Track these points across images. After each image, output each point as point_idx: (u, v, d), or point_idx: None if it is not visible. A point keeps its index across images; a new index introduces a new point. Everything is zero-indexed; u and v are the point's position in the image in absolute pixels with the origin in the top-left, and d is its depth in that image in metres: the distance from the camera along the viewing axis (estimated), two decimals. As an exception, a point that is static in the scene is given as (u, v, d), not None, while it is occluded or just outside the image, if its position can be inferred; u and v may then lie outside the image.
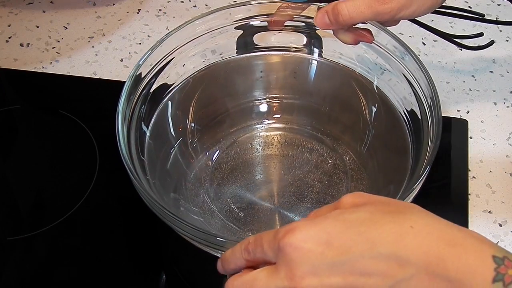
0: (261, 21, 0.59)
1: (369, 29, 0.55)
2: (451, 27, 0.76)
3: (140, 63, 0.55)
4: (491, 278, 0.35)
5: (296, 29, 0.60)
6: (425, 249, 0.36)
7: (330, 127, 0.61)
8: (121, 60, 0.74)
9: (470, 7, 0.78)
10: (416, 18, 0.68)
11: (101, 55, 0.74)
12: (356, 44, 0.55)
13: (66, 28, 0.77)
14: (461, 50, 0.74)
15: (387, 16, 0.51)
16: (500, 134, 0.67)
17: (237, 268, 0.41)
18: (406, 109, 0.55)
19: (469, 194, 0.62)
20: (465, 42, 0.73)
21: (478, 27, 0.76)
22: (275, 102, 0.63)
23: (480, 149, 0.65)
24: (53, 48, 0.75)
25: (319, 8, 0.54)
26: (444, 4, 0.79)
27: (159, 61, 0.57)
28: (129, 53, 0.74)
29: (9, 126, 0.69)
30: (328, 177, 0.59)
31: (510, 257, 0.36)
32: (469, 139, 0.66)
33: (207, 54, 0.60)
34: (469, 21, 0.77)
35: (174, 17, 0.79)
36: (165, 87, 0.58)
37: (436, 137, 0.49)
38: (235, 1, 0.80)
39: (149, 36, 0.76)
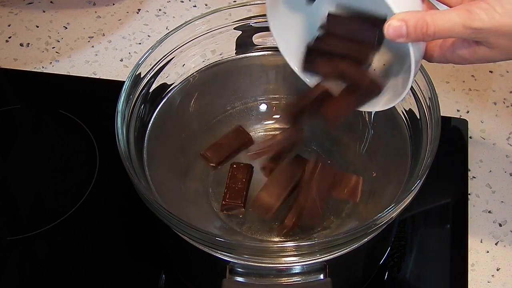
0: (261, 22, 0.59)
1: None
2: (451, 27, 0.76)
3: (140, 62, 0.55)
4: None
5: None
6: None
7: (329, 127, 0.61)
8: (121, 60, 0.74)
9: (470, 7, 0.78)
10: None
11: (101, 55, 0.74)
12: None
13: (66, 28, 0.77)
14: (461, 50, 0.74)
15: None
16: (500, 134, 0.67)
17: None
18: (405, 110, 0.55)
19: (469, 194, 0.62)
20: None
21: (478, 27, 0.76)
22: (274, 102, 0.63)
23: (480, 149, 0.65)
24: (53, 48, 0.75)
25: None
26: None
27: (159, 61, 0.57)
28: (129, 53, 0.75)
29: (9, 126, 0.69)
30: (327, 177, 0.59)
31: None
32: (469, 139, 0.66)
33: (207, 54, 0.60)
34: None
35: (174, 17, 0.79)
36: (164, 87, 0.58)
37: (435, 138, 0.49)
38: (235, 1, 0.80)
39: (149, 36, 0.76)
